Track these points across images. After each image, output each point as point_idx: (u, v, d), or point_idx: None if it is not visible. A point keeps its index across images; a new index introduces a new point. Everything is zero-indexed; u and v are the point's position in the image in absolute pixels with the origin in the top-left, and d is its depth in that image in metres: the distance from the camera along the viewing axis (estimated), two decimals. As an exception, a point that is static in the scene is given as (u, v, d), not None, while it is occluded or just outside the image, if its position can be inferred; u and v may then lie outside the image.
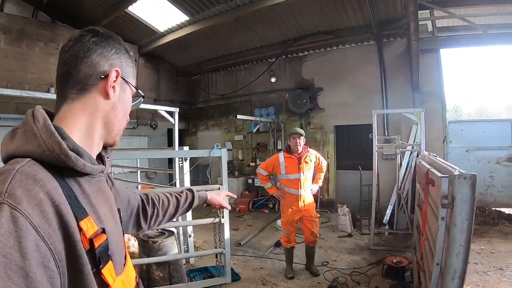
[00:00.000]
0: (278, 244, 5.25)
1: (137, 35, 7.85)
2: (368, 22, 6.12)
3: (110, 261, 0.71)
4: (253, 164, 7.99)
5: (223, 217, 3.56)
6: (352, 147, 7.37)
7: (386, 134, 6.53)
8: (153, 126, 8.86)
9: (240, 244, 5.33)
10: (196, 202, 1.39)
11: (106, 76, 0.76)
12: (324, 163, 4.34)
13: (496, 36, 5.49)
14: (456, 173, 2.25)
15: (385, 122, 6.58)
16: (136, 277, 0.91)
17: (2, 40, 6.28)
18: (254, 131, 7.78)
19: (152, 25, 7.29)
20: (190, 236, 4.47)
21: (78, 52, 0.75)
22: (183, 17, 6.81)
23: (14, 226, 0.52)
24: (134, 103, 0.90)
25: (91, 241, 0.65)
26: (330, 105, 7.36)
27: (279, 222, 6.17)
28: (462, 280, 2.20)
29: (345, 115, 7.15)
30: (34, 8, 6.94)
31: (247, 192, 7.90)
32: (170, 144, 9.05)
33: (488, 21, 5.51)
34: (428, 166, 3.17)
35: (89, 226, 0.66)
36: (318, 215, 4.44)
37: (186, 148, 4.72)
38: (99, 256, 0.66)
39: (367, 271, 4.19)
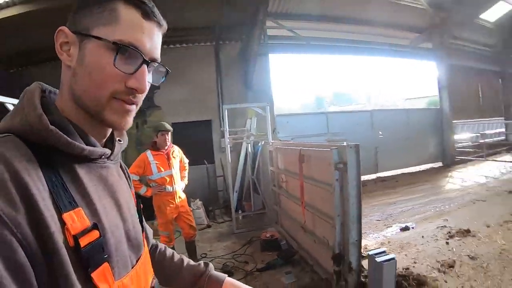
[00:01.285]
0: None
1: None
2: (211, 24, 6.66)
3: (106, 263, 0.61)
4: None
5: None
6: (190, 143, 7.70)
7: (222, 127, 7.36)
8: None
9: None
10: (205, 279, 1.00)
11: None
12: (186, 161, 4.57)
13: (317, 47, 7.40)
14: (345, 144, 3.14)
15: (221, 117, 7.33)
16: (153, 280, 0.81)
17: None
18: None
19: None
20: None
21: None
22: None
23: None
24: (128, 63, 0.64)
25: (75, 238, 0.55)
26: (167, 103, 7.40)
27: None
28: (360, 223, 3.11)
29: (183, 112, 7.40)
30: None
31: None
32: None
33: (311, 34, 7.34)
34: (298, 148, 4.03)
35: (76, 220, 0.56)
36: (191, 209, 4.64)
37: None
38: (88, 258, 0.57)
39: (245, 251, 4.75)
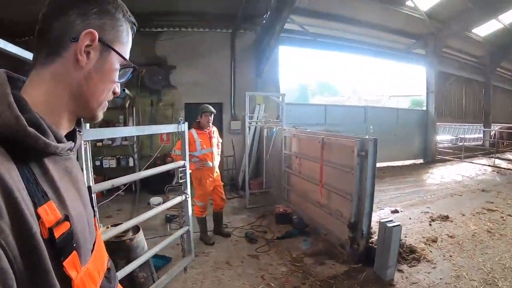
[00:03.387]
0: (169, 220, 5.84)
1: None
2: (232, 12, 7.53)
3: (75, 251, 0.68)
4: (100, 144, 7.62)
5: (187, 194, 4.00)
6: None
7: (233, 112, 8.35)
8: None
9: (133, 229, 5.56)
10: None
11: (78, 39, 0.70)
12: (220, 140, 5.45)
13: (323, 43, 8.58)
14: (366, 137, 4.26)
15: (233, 102, 8.34)
16: (108, 261, 0.90)
17: None
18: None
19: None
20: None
21: (56, 7, 0.72)
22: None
23: None
24: (121, 75, 0.83)
25: (50, 230, 0.61)
26: (182, 84, 8.28)
27: (153, 200, 6.66)
28: (372, 198, 4.25)
29: (196, 94, 8.28)
30: None
31: (95, 176, 7.44)
32: None
33: (317, 30, 8.48)
34: (321, 136, 5.11)
35: (50, 213, 0.62)
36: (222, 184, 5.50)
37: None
38: (60, 248, 0.63)
39: (261, 223, 5.81)
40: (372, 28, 9.62)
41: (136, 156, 7.83)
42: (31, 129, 0.61)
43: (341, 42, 9.67)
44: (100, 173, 7.58)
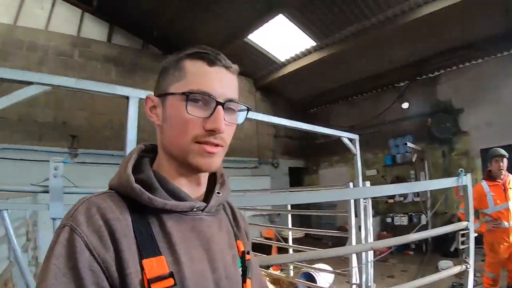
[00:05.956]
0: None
1: (254, 67, 8.66)
2: (508, 29, 6.46)
3: None
4: (391, 200, 8.25)
5: (469, 264, 3.58)
6: (505, 171, 7.42)
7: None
8: (275, 165, 9.76)
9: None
10: None
11: None
12: None
13: None
14: None
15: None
16: None
17: (113, 72, 7.47)
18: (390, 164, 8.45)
19: (273, 54, 7.94)
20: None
21: None
22: (309, 43, 7.27)
23: (70, 246, 0.65)
24: (200, 106, 0.79)
25: (148, 282, 0.68)
26: (473, 127, 7.62)
27: (442, 263, 6.25)
28: None
29: (491, 136, 7.20)
30: (143, 42, 8.17)
31: (385, 232, 8.05)
32: (293, 183, 10.04)
33: None
34: None
35: (155, 266, 0.70)
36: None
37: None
38: None
39: None
40: None
41: (428, 213, 7.66)
42: (136, 185, 0.74)
43: None
44: (393, 230, 7.98)
